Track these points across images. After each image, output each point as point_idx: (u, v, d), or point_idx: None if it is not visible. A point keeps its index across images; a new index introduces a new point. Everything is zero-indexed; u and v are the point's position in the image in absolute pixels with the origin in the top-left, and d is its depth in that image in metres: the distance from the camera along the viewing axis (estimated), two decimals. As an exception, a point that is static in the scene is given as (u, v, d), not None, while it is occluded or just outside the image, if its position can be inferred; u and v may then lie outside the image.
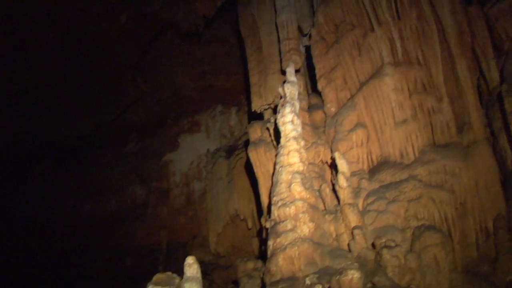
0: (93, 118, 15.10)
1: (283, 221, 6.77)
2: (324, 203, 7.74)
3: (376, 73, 8.66)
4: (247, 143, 10.73)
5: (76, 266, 15.02)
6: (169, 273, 3.99)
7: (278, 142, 7.74)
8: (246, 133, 11.72)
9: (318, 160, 9.11)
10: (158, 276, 3.94)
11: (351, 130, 8.71)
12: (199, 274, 3.86)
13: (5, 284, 14.74)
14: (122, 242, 15.14)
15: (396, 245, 6.56)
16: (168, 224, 15.02)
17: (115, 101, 14.75)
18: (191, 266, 3.85)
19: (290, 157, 7.25)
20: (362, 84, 8.94)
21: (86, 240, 15.63)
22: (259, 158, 9.71)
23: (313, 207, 6.97)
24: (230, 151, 14.23)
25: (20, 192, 16.70)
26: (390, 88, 8.41)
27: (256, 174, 9.83)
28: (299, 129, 7.54)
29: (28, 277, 14.95)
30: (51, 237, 15.98)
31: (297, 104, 7.84)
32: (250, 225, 12.56)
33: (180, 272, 4.02)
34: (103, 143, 16.57)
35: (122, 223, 15.53)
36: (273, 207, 7.09)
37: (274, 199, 7.14)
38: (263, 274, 6.89)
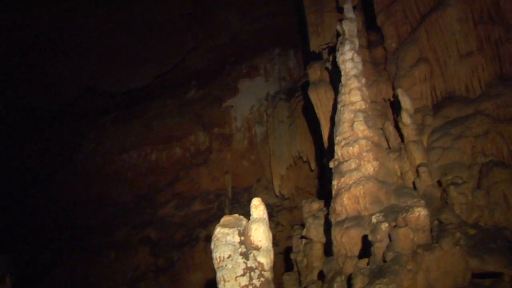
0: (153, 69, 15.33)
1: (346, 161, 6.76)
2: (387, 141, 7.64)
3: (439, 4, 8.28)
4: (306, 85, 10.62)
5: (146, 213, 15.58)
6: (236, 215, 4.06)
7: (338, 81, 7.63)
8: (305, 74, 11.58)
9: (380, 98, 8.93)
10: (225, 218, 4.01)
11: (414, 65, 8.45)
12: (265, 215, 3.91)
13: (84, 237, 15.55)
14: (189, 188, 15.57)
15: (463, 182, 6.42)
16: (232, 168, 15.28)
17: (173, 50, 14.88)
18: (258, 208, 3.90)
19: (352, 96, 7.15)
20: (423, 17, 8.58)
21: (154, 188, 16.16)
22: (320, 99, 9.62)
23: (376, 145, 6.89)
24: (290, 93, 14.16)
25: (87, 146, 17.35)
26: (453, 19, 8.04)
27: (317, 115, 9.76)
28: (360, 66, 7.39)
29: (102, 224, 15.68)
30: (120, 186, 16.63)
31: (356, 41, 7.65)
32: (313, 166, 12.59)
33: (246, 215, 4.09)
34: (164, 92, 16.83)
35: (187, 169, 15.92)
36: (336, 147, 7.06)
37: (337, 138, 7.09)
38: (328, 214, 6.96)
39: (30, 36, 12.25)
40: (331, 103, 9.03)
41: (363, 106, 7.10)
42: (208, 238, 12.91)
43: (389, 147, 7.55)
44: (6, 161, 15.30)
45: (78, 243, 15.29)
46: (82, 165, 17.11)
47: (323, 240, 7.74)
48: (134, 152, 16.77)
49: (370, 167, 6.62)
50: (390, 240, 5.29)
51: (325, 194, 8.16)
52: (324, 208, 8.04)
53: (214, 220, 12.42)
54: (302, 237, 8.43)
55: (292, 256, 8.72)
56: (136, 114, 17.01)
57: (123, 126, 16.93)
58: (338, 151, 6.96)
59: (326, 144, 9.29)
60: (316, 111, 9.77)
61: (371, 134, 6.89)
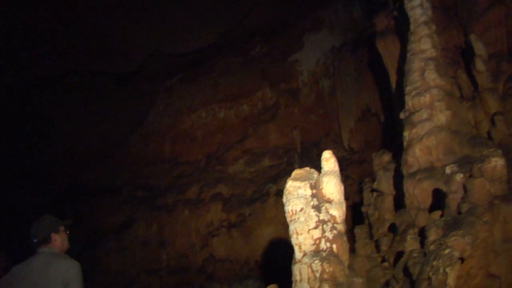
0: (217, 27, 15.34)
1: (418, 111, 6.59)
2: (460, 90, 7.37)
3: None
4: (373, 35, 10.34)
5: (217, 171, 15.91)
6: (307, 168, 4.06)
7: (407, 29, 7.38)
8: (371, 24, 11.24)
9: (451, 44, 8.57)
10: (296, 172, 4.03)
11: (487, 8, 8.01)
12: (336, 168, 3.89)
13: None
14: (258, 144, 15.71)
15: (542, 131, 6.15)
16: (300, 123, 15.25)
17: (237, 7, 14.78)
18: (328, 160, 3.89)
19: (422, 44, 6.89)
20: (497, -46, 8.08)
21: (223, 145, 16.42)
22: (388, 49, 9.36)
23: (449, 94, 6.67)
24: (356, 45, 13.82)
25: (157, 107, 17.74)
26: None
27: (385, 65, 9.52)
28: (429, 12, 7.08)
29: (175, 183, 16.15)
30: (191, 145, 17.00)
31: (425, -14, 7.32)
32: (382, 118, 12.36)
33: (315, 169, 4.09)
34: (229, 50, 16.86)
35: (256, 126, 16.03)
36: (406, 97, 6.88)
37: (407, 89, 6.91)
38: (400, 166, 6.86)
39: (95, 2, 12.50)
40: (400, 53, 8.76)
41: (434, 54, 6.85)
42: (278, 193, 13.08)
43: (462, 96, 7.28)
44: (81, 126, 15.91)
45: (153, 201, 15.89)
46: (153, 126, 17.59)
47: (394, 192, 7.67)
48: (202, 111, 17.02)
49: (442, 117, 6.42)
50: (465, 191, 5.16)
51: (396, 146, 8.02)
52: (395, 160, 7.92)
53: (283, 175, 12.52)
54: (372, 190, 8.38)
55: (363, 209, 8.70)
56: (203, 73, 17.18)
57: (191, 86, 17.18)
58: (409, 102, 6.78)
59: (395, 95, 9.07)
60: (384, 62, 9.53)
61: (443, 83, 6.66)
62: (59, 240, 4.05)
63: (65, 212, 16.55)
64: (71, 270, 3.71)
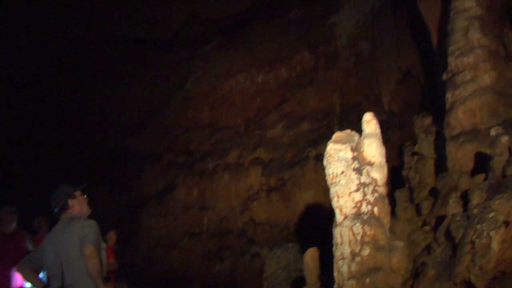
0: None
1: (461, 72, 6.40)
2: (506, 50, 7.11)
3: None
4: (414, -7, 10.02)
5: (256, 135, 15.92)
6: (348, 130, 4.04)
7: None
8: (413, -17, 10.89)
9: (497, 2, 8.23)
10: (337, 135, 4.01)
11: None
12: (378, 130, 3.86)
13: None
14: (296, 108, 15.62)
15: None
16: (339, 86, 15.05)
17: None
18: (370, 123, 3.86)
19: (466, 1, 6.65)
20: None
21: (262, 110, 16.38)
22: (429, 8, 9.04)
23: (494, 54, 6.44)
24: (396, 5, 13.44)
25: (195, 73, 17.72)
26: None
27: (427, 25, 9.24)
28: (474, -32, 6.81)
29: (215, 148, 16.28)
30: (230, 110, 17.02)
31: None
32: (423, 80, 12.08)
33: (356, 132, 4.06)
34: (267, 14, 16.63)
35: (294, 90, 15.91)
36: (449, 58, 6.69)
37: (450, 49, 6.71)
38: (442, 129, 6.73)
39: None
40: (442, 12, 8.48)
41: (479, 12, 6.60)
42: (318, 157, 13.05)
43: (508, 56, 7.03)
44: (120, 94, 16.08)
45: (193, 166, 16.09)
46: (192, 92, 17.66)
47: (436, 156, 7.55)
48: (240, 76, 16.95)
49: (487, 78, 6.23)
50: (510, 154, 5.04)
51: (438, 108, 7.86)
52: (437, 123, 7.77)
53: (323, 139, 12.45)
54: (413, 153, 8.28)
55: (403, 173, 8.62)
56: (240, 38, 17.04)
57: (228, 51, 17.09)
58: (452, 62, 6.59)
59: (437, 56, 8.83)
60: (425, 22, 9.23)
61: (488, 42, 6.44)
62: (77, 205, 4.31)
63: (104, 179, 16.99)
64: (85, 227, 4.01)
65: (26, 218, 7.31)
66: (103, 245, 4.17)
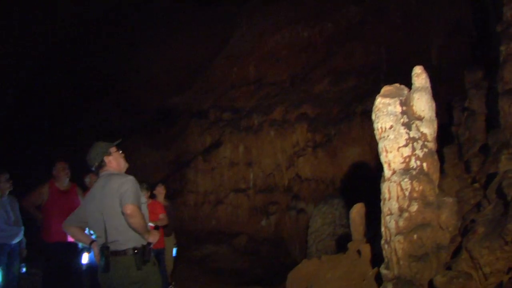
0: None
1: (517, 23, 6.14)
2: None
3: None
4: None
5: (302, 91, 15.80)
6: (397, 84, 3.95)
7: None
8: None
9: None
10: (386, 88, 3.93)
11: None
12: (428, 84, 3.76)
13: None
14: (343, 63, 15.37)
15: None
16: (387, 40, 14.67)
17: None
18: (419, 76, 3.76)
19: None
20: None
21: (308, 65, 16.20)
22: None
23: (553, 3, 6.13)
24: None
25: (240, 29, 17.56)
26: None
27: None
28: None
29: (260, 104, 16.27)
30: (275, 65, 16.87)
31: None
32: (473, 32, 11.65)
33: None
34: (311, -33, 16.27)
35: (341, 44, 15.62)
36: (505, 8, 6.39)
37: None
38: (494, 83, 6.51)
39: None
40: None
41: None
42: (364, 113, 12.90)
43: None
44: (166, 51, 16.14)
45: (239, 123, 16.17)
46: (237, 48, 17.58)
47: (487, 111, 7.33)
48: (286, 31, 16.71)
49: (545, 29, 5.96)
50: None
51: (490, 61, 7.58)
52: (488, 77, 7.51)
53: (369, 94, 12.26)
54: (463, 109, 8.06)
55: (453, 129, 8.42)
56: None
57: (274, 6, 16.82)
58: (507, 13, 6.30)
59: (490, 7, 8.46)
60: (479, -30, 8.86)
61: (547, -9, 6.12)
62: (113, 161, 4.32)
63: (151, 137, 17.29)
64: (124, 184, 3.98)
65: (78, 176, 7.60)
66: (143, 200, 4.24)
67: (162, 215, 8.64)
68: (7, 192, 7.34)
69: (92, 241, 4.30)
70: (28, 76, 13.50)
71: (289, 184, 14.49)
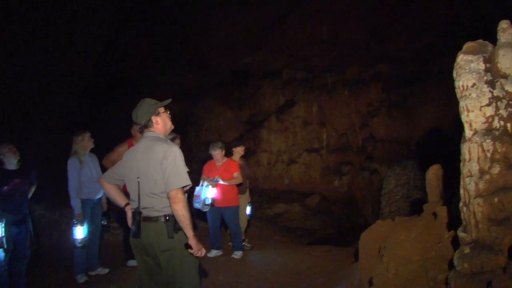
0: None
1: None
2: None
3: None
4: None
5: (377, 49, 15.39)
6: (480, 40, 3.72)
7: None
8: None
9: None
10: (468, 45, 3.71)
11: None
12: (515, 39, 3.53)
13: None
14: (419, 20, 14.75)
15: None
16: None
17: None
18: (506, 31, 3.52)
19: None
20: None
21: (382, 22, 15.63)
22: None
23: None
24: None
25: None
26: None
27: None
28: None
29: (334, 63, 16.00)
30: (350, 23, 16.40)
31: None
32: None
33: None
34: None
35: (417, 1, 14.96)
36: None
37: None
38: None
39: None
40: None
41: None
42: (441, 71, 12.42)
43: None
44: (237, 11, 16.07)
45: (312, 82, 16.01)
46: (310, 6, 17.22)
47: None
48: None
49: None
50: None
51: None
52: None
53: (448, 51, 11.75)
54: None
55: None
56: None
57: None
58: None
59: None
60: None
61: None
62: (161, 121, 4.15)
63: (225, 97, 17.46)
64: (166, 152, 3.86)
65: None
66: (186, 169, 4.08)
67: (236, 174, 8.79)
68: (89, 150, 7.71)
69: (127, 204, 4.27)
70: (110, 34, 13.90)
71: (363, 145, 14.32)
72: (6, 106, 10.88)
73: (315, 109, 15.45)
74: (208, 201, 8.32)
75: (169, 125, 4.29)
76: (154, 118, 4.10)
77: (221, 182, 8.59)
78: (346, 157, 14.45)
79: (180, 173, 3.88)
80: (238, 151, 9.66)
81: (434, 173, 5.42)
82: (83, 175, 7.46)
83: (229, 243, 9.63)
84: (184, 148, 9.15)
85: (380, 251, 4.71)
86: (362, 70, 15.07)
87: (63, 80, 12.85)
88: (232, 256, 8.90)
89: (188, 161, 9.71)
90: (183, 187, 3.88)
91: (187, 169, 3.96)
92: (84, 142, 7.61)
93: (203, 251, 3.97)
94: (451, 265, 3.54)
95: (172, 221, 3.88)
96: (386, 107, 13.97)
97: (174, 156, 3.89)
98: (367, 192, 13.57)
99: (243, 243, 9.49)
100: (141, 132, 4.20)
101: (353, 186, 14.07)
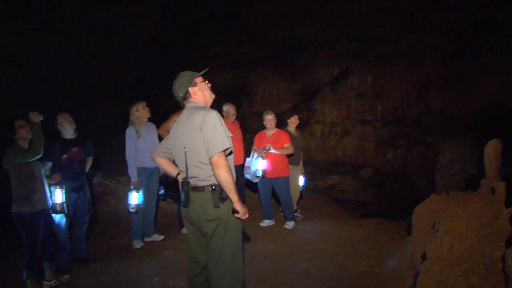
0: None
1: None
2: None
3: None
4: None
5: (434, 19, 14.94)
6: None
7: None
8: None
9: None
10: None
11: None
12: None
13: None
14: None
15: None
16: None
17: None
18: None
19: None
20: None
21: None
22: None
23: None
24: None
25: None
26: None
27: None
28: None
29: (390, 35, 15.66)
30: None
31: None
32: None
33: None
34: None
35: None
36: None
37: None
38: None
39: None
40: None
41: None
42: (503, 42, 12.03)
43: None
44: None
45: (367, 53, 15.76)
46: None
47: None
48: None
49: None
50: None
51: None
52: None
53: (508, 24, 11.38)
54: None
55: None
56: None
57: None
58: None
59: None
60: None
61: None
62: (199, 92, 4.17)
63: (278, 68, 17.44)
64: (204, 118, 3.86)
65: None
66: (229, 134, 4.03)
67: (287, 145, 8.88)
68: (146, 120, 7.97)
69: (178, 173, 4.35)
70: (163, 6, 14.11)
71: (418, 117, 14.09)
72: (69, 77, 11.29)
73: (369, 81, 15.26)
74: (259, 173, 8.48)
75: (209, 95, 4.30)
76: (191, 89, 4.14)
77: (272, 150, 8.72)
78: (400, 130, 14.26)
79: (219, 137, 3.89)
80: (293, 121, 9.74)
81: (493, 147, 5.35)
82: (140, 144, 7.76)
83: (281, 213, 9.79)
84: (238, 119, 9.33)
85: (434, 226, 4.73)
86: (418, 41, 14.72)
87: (121, 50, 13.19)
88: (284, 226, 9.06)
89: (242, 131, 9.87)
90: (225, 151, 3.90)
91: (229, 134, 3.98)
92: (140, 113, 7.88)
93: (247, 215, 4.10)
94: (508, 243, 3.54)
95: (218, 191, 3.93)
96: (443, 79, 13.64)
97: (213, 121, 3.90)
98: (421, 165, 13.41)
99: (295, 214, 9.62)
100: (182, 105, 4.25)
101: (407, 160, 13.92)
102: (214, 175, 3.90)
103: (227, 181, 3.86)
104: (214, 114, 3.95)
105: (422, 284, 3.77)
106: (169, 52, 15.66)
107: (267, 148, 8.65)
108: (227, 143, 3.91)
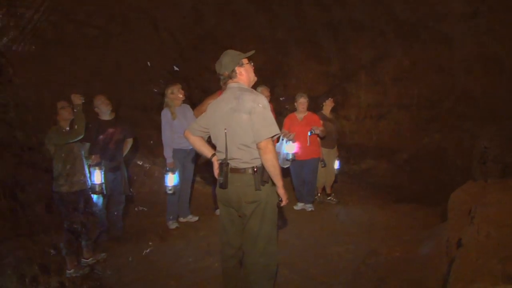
0: None
1: None
2: None
3: None
4: None
5: (474, 1, 14.55)
6: None
7: None
8: None
9: None
10: None
11: None
12: None
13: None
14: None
15: None
16: None
17: None
18: None
19: None
20: None
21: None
22: None
23: None
24: None
25: None
26: None
27: None
28: None
29: None
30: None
31: None
32: None
33: None
34: None
35: None
36: None
37: None
38: None
39: None
40: None
41: None
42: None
43: None
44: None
45: (404, 36, 15.46)
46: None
47: None
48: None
49: None
50: None
51: None
52: None
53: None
54: None
55: None
56: None
57: None
58: None
59: None
60: None
61: None
62: (244, 73, 4.19)
63: (318, 48, 17.28)
64: (255, 101, 3.92)
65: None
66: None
67: (321, 128, 8.92)
68: (180, 102, 8.10)
69: (213, 155, 4.39)
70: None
71: (455, 102, 13.84)
72: (105, 60, 11.44)
73: (406, 64, 15.03)
74: (289, 156, 8.57)
75: (253, 77, 4.33)
76: (238, 69, 4.18)
77: (317, 132, 8.77)
78: (437, 115, 14.06)
79: (270, 123, 3.94)
80: (328, 104, 9.79)
81: (533, 135, 5.27)
82: (175, 126, 7.91)
83: (315, 197, 9.85)
84: (273, 101, 9.37)
85: (470, 212, 4.72)
86: (457, 24, 14.38)
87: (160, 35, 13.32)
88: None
89: (277, 113, 9.94)
90: (272, 137, 3.95)
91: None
92: (174, 95, 8.02)
93: (287, 201, 4.17)
94: (548, 232, 3.52)
95: (259, 173, 3.99)
96: (482, 64, 13.33)
97: (263, 106, 3.96)
98: (457, 151, 13.22)
99: (329, 198, 9.66)
100: (225, 83, 4.28)
101: (443, 145, 13.74)
102: (262, 159, 3.97)
103: (273, 166, 3.94)
104: (264, 98, 4.01)
105: (457, 271, 3.78)
106: (204, 37, 15.71)
107: (313, 130, 8.72)
108: (277, 129, 3.99)
